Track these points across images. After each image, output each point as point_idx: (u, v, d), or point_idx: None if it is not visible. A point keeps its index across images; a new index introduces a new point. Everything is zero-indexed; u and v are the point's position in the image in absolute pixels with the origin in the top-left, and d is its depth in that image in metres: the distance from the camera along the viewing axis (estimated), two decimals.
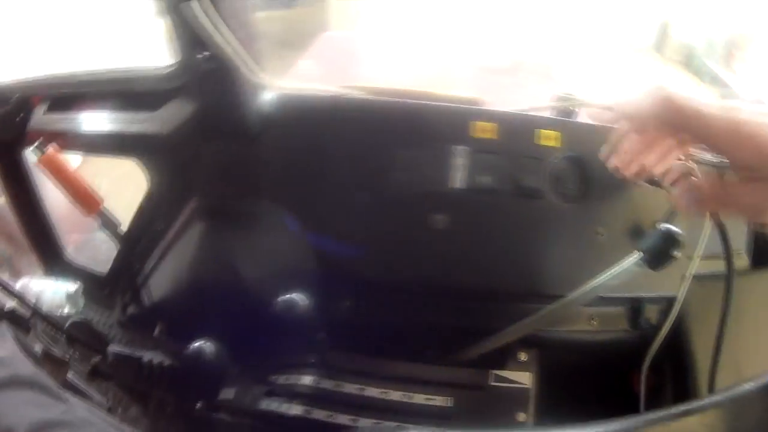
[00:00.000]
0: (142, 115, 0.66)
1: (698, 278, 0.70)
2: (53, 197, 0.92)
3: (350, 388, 0.59)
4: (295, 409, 0.60)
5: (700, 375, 0.67)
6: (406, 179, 0.53)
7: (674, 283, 0.66)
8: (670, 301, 0.67)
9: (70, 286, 0.85)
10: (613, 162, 0.47)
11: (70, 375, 0.90)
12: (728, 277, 0.49)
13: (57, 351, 0.81)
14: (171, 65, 0.65)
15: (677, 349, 0.70)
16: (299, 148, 0.54)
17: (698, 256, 0.68)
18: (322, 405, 0.59)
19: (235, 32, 0.56)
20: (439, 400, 0.60)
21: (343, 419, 0.59)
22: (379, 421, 0.59)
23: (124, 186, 0.81)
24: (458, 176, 0.54)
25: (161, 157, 0.67)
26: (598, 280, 0.54)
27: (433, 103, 0.55)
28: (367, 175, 0.53)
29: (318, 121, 0.54)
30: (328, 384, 0.59)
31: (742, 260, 0.79)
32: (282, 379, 0.63)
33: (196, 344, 0.55)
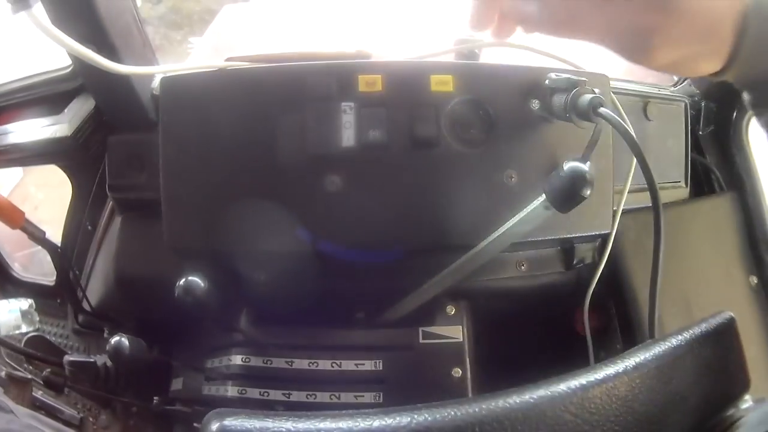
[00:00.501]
0: (51, 119, 0.67)
1: (632, 212, 0.69)
2: None
3: (279, 362, 0.59)
4: (231, 391, 0.61)
5: (644, 309, 0.66)
6: (296, 144, 0.53)
7: (607, 220, 0.65)
8: (604, 239, 0.66)
9: (23, 304, 0.87)
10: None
11: (37, 393, 0.92)
12: (655, 207, 0.48)
13: (20, 372, 0.84)
14: (68, 65, 0.65)
15: (618, 285, 0.69)
16: (188, 127, 0.54)
17: (627, 191, 0.67)
18: (254, 383, 0.60)
19: (117, 20, 0.56)
20: (368, 365, 0.60)
21: (276, 395, 0.59)
22: (312, 392, 0.59)
23: (62, 193, 0.81)
24: (347, 135, 0.54)
25: (74, 158, 0.68)
26: (504, 227, 0.53)
27: (317, 62, 0.55)
28: (256, 145, 0.53)
29: (204, 98, 0.54)
30: (257, 361, 0.60)
31: (680, 191, 0.78)
32: (215, 363, 0.64)
33: (113, 340, 0.56)
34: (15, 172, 1.22)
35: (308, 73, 0.54)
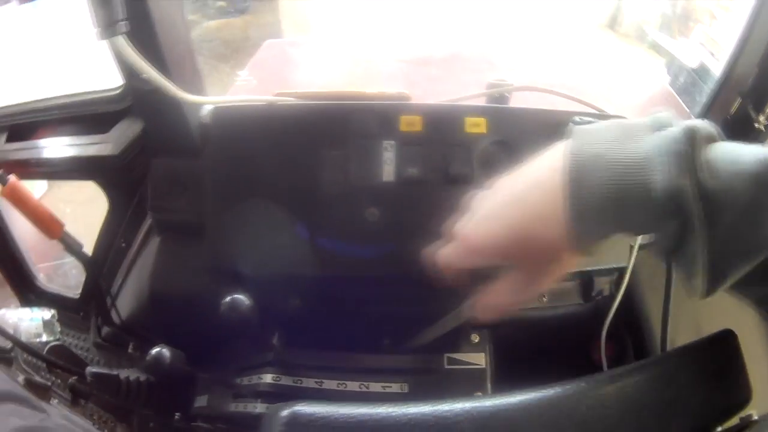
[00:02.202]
0: (95, 138, 0.72)
1: (647, 247, 0.75)
2: (20, 228, 0.99)
3: (309, 382, 0.64)
4: (260, 408, 0.65)
5: (657, 338, 0.72)
6: (340, 178, 0.58)
7: (625, 254, 0.71)
8: (621, 272, 0.72)
9: (45, 314, 0.91)
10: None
11: (53, 402, 0.96)
12: None
13: (38, 379, 0.87)
14: (118, 87, 0.71)
15: (633, 316, 0.74)
16: (237, 158, 0.59)
17: None
18: (284, 401, 0.64)
19: (171, 51, 0.62)
20: (395, 387, 0.64)
21: None
22: None
23: (88, 210, 0.87)
24: (388, 170, 0.59)
25: (116, 177, 0.73)
26: None
27: (362, 102, 0.60)
28: (302, 177, 0.58)
29: (252, 131, 0.59)
30: (287, 381, 0.64)
31: None
32: (245, 381, 0.68)
33: (155, 350, 0.60)
34: (40, 185, 1.27)
35: (353, 112, 0.59)
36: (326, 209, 0.58)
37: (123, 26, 0.48)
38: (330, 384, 0.64)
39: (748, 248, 0.37)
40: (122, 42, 0.48)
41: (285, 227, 0.59)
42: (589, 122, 0.64)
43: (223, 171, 0.60)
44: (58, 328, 0.91)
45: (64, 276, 1.00)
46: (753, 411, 0.43)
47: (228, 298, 0.53)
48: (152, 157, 0.69)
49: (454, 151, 0.61)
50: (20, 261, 0.93)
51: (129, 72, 0.62)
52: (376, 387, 0.64)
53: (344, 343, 0.66)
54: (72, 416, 0.62)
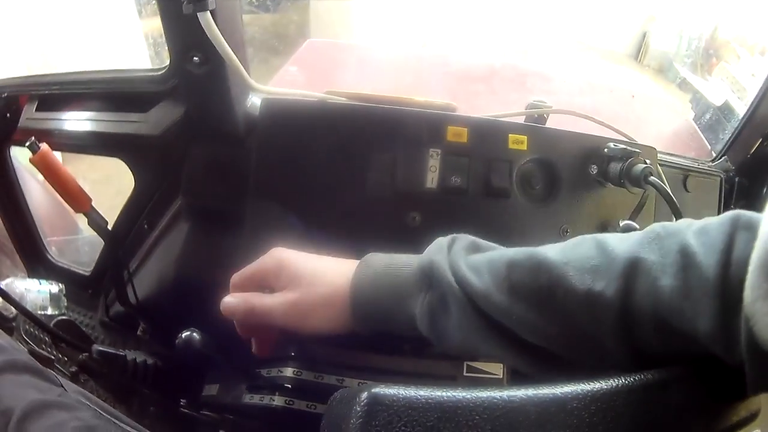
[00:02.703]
0: (133, 116, 0.70)
1: None
2: (35, 198, 0.95)
3: (330, 379, 0.63)
4: (278, 401, 0.64)
5: None
6: (386, 180, 0.58)
7: None
8: None
9: (54, 287, 0.88)
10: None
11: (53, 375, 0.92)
12: None
13: (42, 351, 0.84)
14: (162, 68, 0.69)
15: None
16: (285, 150, 0.58)
17: None
18: (303, 396, 0.63)
19: (228, 38, 0.61)
20: None
21: (323, 409, 0.62)
22: None
23: (102, 189, 0.84)
24: (432, 177, 0.59)
25: (151, 158, 0.71)
26: None
27: (411, 108, 0.60)
28: (349, 176, 0.58)
29: (304, 125, 0.58)
30: (308, 376, 0.63)
31: None
32: (264, 373, 0.67)
33: (186, 333, 0.58)
34: None
35: (403, 118, 0.59)
36: (369, 210, 0.58)
37: (212, 3, 0.48)
38: (351, 383, 0.63)
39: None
40: (209, 18, 0.47)
41: (328, 224, 0.58)
42: (623, 149, 0.66)
43: (268, 162, 0.59)
44: (64, 302, 0.88)
45: (75, 252, 0.97)
46: (758, 430, 0.43)
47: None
48: (191, 141, 0.67)
49: (495, 166, 0.61)
50: (33, 232, 0.90)
51: (181, 53, 0.61)
52: None
53: (366, 343, 0.65)
54: (87, 393, 0.60)
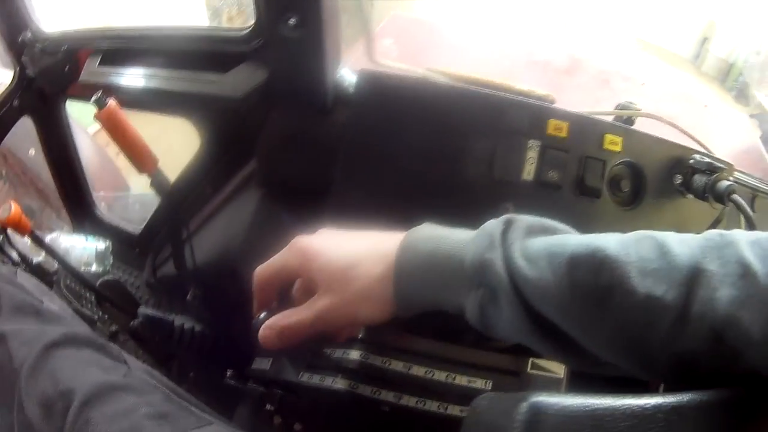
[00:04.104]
0: (209, 76, 0.63)
1: None
2: (84, 153, 0.88)
3: (397, 365, 0.58)
4: (341, 383, 0.58)
5: None
6: (483, 167, 0.53)
7: None
8: None
9: (100, 244, 0.82)
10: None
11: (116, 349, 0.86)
12: None
13: (86, 310, 0.78)
14: (245, 27, 0.62)
15: None
16: (380, 125, 0.52)
17: None
18: (368, 381, 0.58)
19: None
20: (479, 383, 0.59)
21: (388, 396, 0.58)
22: (422, 400, 0.58)
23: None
24: (528, 169, 0.54)
25: (224, 120, 0.65)
26: None
27: (514, 96, 0.55)
28: (446, 159, 0.52)
29: (403, 101, 0.52)
30: (375, 360, 0.58)
31: None
32: (327, 353, 0.61)
33: (264, 315, 0.52)
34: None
35: (506, 106, 0.54)
36: (463, 195, 0.52)
37: None
38: (418, 371, 0.58)
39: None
40: None
41: (418, 207, 0.52)
42: (708, 163, 0.61)
43: (361, 137, 0.53)
44: (110, 260, 0.82)
45: (124, 209, 0.90)
46: None
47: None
48: (272, 107, 0.61)
49: (590, 164, 0.56)
50: (82, 186, 0.83)
51: (275, 14, 0.54)
52: (462, 380, 0.58)
53: (431, 330, 0.60)
54: (153, 372, 0.53)
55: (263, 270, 0.49)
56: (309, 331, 0.46)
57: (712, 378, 0.33)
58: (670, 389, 0.38)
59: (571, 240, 0.38)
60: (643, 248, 0.35)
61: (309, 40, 0.54)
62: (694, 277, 0.33)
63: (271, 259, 0.48)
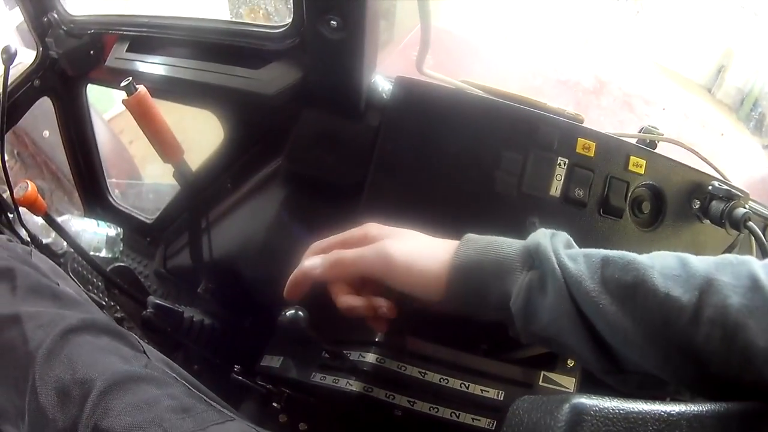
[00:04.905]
0: (240, 71, 0.62)
1: None
2: (100, 139, 0.85)
3: (413, 371, 0.57)
4: (355, 386, 0.57)
5: None
6: (513, 180, 0.52)
7: None
8: None
9: (111, 230, 0.79)
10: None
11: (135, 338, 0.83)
12: None
13: (93, 295, 0.75)
14: (281, 25, 0.61)
15: None
16: (414, 133, 0.52)
17: None
18: (382, 384, 0.57)
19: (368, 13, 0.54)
20: (492, 393, 0.58)
21: (402, 400, 0.56)
22: (435, 406, 0.57)
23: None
24: (556, 185, 0.54)
25: (252, 116, 0.63)
26: None
27: (546, 114, 0.54)
28: (477, 169, 0.52)
29: (438, 111, 0.52)
30: (391, 364, 0.57)
31: None
32: (342, 354, 0.60)
33: (290, 312, 0.51)
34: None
35: (539, 122, 0.53)
36: (492, 206, 0.52)
37: None
38: (433, 377, 0.57)
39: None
40: None
41: (442, 215, 0.51)
42: (726, 191, 0.61)
43: (395, 142, 0.52)
44: (120, 247, 0.79)
45: (138, 197, 0.87)
46: None
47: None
48: (303, 107, 0.59)
49: (614, 185, 0.56)
50: (97, 171, 0.81)
51: (316, 14, 0.53)
52: (475, 389, 0.57)
53: (445, 337, 0.59)
54: (172, 363, 0.51)
55: (322, 241, 0.48)
56: (360, 266, 0.46)
57: (729, 388, 0.35)
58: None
59: (602, 250, 0.41)
60: (666, 259, 0.39)
61: (349, 42, 0.53)
62: (708, 284, 0.36)
63: (343, 239, 0.47)
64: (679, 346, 0.36)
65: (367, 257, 0.45)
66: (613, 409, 0.30)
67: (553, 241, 0.42)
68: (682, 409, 0.31)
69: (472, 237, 0.46)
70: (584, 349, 0.40)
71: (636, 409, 0.31)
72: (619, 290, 0.38)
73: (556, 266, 0.40)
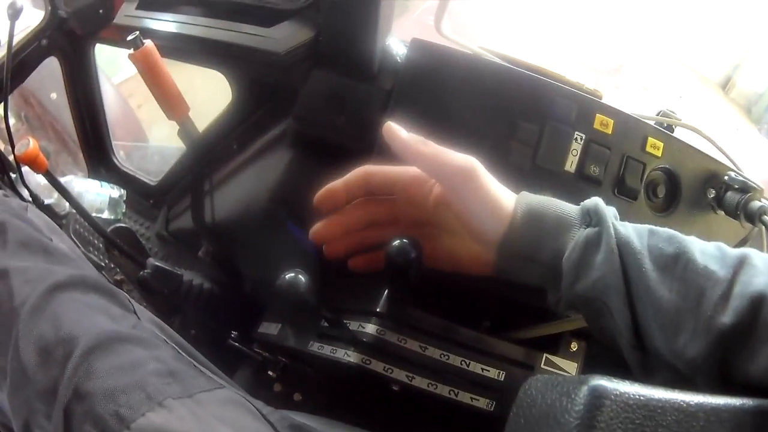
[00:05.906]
0: (250, 29, 0.58)
1: None
2: (106, 100, 0.82)
3: (413, 345, 0.54)
4: (353, 357, 0.54)
5: None
6: (527, 152, 0.49)
7: None
8: None
9: (114, 192, 0.76)
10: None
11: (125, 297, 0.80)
12: None
13: (93, 256, 0.72)
14: None
15: None
16: (428, 97, 0.48)
17: None
18: (381, 357, 0.54)
19: None
20: (492, 372, 0.55)
21: (400, 375, 0.54)
22: (434, 383, 0.54)
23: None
24: (571, 160, 0.50)
25: (264, 76, 0.60)
26: None
27: (565, 86, 0.51)
28: (491, 138, 0.49)
29: (453, 75, 0.48)
30: (391, 337, 0.54)
31: None
32: (342, 323, 0.57)
33: (290, 275, 0.48)
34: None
35: (557, 94, 0.50)
36: (504, 176, 0.48)
37: None
38: (433, 352, 0.54)
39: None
40: None
41: None
42: (743, 182, 0.58)
43: (408, 106, 0.49)
44: (123, 208, 0.76)
45: (142, 159, 0.84)
46: None
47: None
48: (314, 67, 0.56)
49: (631, 165, 0.53)
50: (102, 131, 0.78)
51: None
52: (476, 367, 0.55)
53: (446, 312, 0.56)
54: (162, 324, 0.47)
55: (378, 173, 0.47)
56: (397, 184, 0.47)
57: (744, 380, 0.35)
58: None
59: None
60: (703, 242, 0.41)
61: (366, 3, 0.49)
62: (741, 264, 0.38)
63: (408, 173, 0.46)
64: (707, 324, 0.36)
65: (407, 175, 0.45)
66: (633, 395, 0.28)
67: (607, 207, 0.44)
68: (701, 400, 0.31)
69: (528, 194, 0.45)
70: (621, 314, 0.40)
71: (656, 397, 0.29)
72: (660, 259, 0.39)
73: (611, 225, 0.41)
